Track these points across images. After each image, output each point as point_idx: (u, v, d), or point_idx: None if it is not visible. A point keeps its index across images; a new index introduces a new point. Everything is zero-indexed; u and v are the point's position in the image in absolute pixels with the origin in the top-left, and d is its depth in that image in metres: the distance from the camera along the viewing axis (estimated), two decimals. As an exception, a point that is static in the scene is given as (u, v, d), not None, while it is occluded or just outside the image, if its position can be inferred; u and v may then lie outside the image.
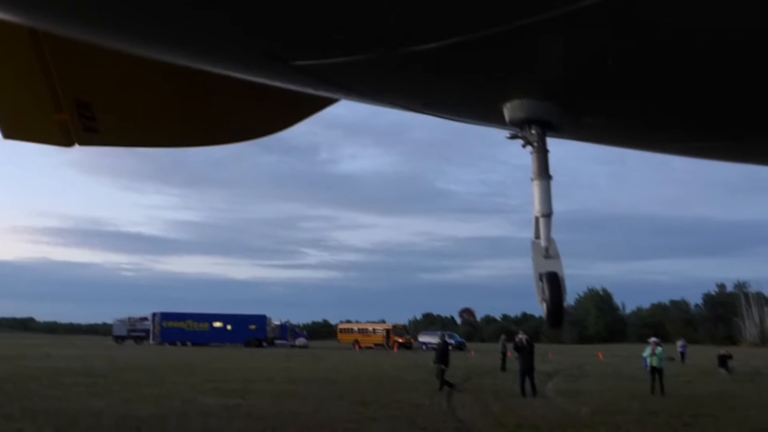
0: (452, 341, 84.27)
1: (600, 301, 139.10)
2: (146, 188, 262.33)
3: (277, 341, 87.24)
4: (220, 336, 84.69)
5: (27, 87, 6.48)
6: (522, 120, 4.30)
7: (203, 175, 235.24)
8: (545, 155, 4.36)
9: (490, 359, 44.98)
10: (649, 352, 25.20)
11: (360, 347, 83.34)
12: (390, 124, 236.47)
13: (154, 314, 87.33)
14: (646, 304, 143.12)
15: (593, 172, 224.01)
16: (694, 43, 3.52)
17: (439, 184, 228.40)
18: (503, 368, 35.73)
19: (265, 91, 6.09)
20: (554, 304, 4.13)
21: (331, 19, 3.46)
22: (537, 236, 4.35)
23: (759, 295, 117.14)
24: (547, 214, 4.31)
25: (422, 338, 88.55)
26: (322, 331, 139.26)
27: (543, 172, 4.33)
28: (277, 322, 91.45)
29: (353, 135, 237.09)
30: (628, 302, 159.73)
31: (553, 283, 4.16)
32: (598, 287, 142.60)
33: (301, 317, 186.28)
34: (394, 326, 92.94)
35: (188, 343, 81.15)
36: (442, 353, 24.80)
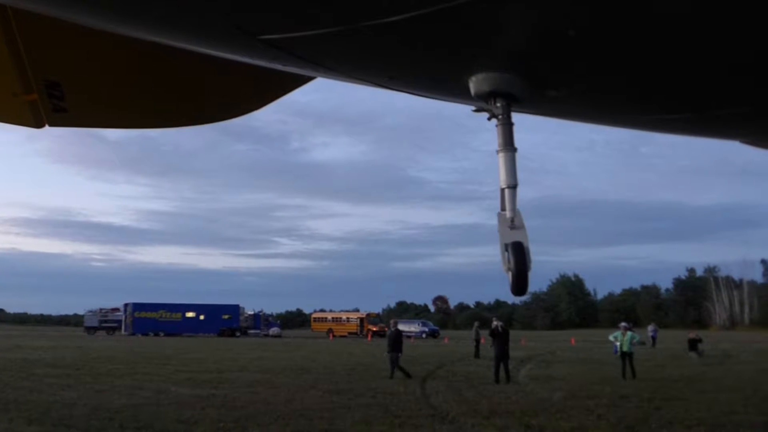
0: (426, 329, 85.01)
1: (572, 286, 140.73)
2: (117, 178, 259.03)
3: (251, 331, 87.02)
4: (193, 326, 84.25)
5: None
6: (487, 93, 4.38)
7: (174, 164, 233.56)
8: (510, 128, 4.44)
9: (464, 346, 45.20)
10: (619, 337, 25.46)
11: (334, 336, 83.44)
12: (361, 113, 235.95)
13: (126, 305, 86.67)
14: (617, 290, 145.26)
15: (563, 158, 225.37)
16: (654, 14, 3.58)
17: (412, 172, 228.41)
18: (477, 355, 35.92)
19: (237, 70, 6.09)
20: (519, 271, 4.22)
21: None
22: (503, 208, 4.43)
23: (728, 279, 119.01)
24: (513, 186, 4.40)
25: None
26: (295, 320, 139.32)
27: (508, 144, 4.42)
28: (250, 312, 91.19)
29: (324, 123, 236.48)
30: (600, 288, 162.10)
31: (518, 251, 4.26)
32: (570, 273, 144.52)
33: (274, 307, 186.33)
34: (368, 315, 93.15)
35: (161, 334, 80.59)
36: (395, 341, 24.80)
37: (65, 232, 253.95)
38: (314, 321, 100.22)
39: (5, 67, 6.31)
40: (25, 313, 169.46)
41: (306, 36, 4.01)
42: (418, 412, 15.65)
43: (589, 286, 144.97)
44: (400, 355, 24.21)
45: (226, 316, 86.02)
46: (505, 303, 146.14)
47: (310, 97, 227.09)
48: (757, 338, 68.97)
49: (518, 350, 39.00)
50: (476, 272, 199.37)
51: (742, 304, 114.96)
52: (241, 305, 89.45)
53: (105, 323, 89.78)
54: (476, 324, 41.32)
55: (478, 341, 37.25)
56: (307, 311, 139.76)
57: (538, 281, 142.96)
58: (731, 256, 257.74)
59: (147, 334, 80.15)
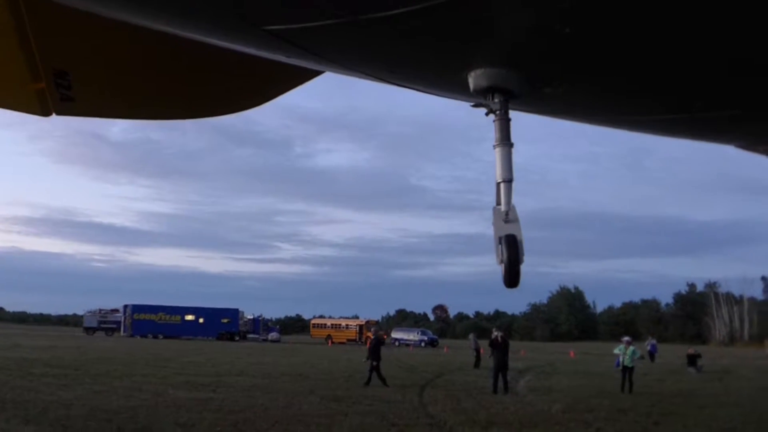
0: (425, 338, 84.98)
1: (572, 299, 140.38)
2: (119, 179, 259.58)
3: (250, 335, 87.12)
4: (192, 329, 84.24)
5: (4, 54, 6.40)
6: (485, 88, 4.47)
7: (177, 167, 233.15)
8: (507, 123, 4.54)
9: (463, 356, 45.14)
10: (623, 350, 25.41)
11: (333, 342, 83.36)
12: (365, 119, 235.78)
13: (125, 306, 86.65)
14: (617, 303, 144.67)
15: (565, 170, 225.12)
16: (650, 12, 3.66)
17: (414, 180, 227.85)
18: (477, 365, 35.82)
19: (244, 64, 6.17)
20: (511, 263, 4.32)
21: None
22: (498, 202, 4.51)
23: (728, 295, 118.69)
24: (508, 180, 4.50)
25: (396, 334, 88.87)
26: (295, 325, 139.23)
27: (505, 139, 4.52)
28: (249, 316, 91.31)
29: (328, 130, 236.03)
30: (600, 300, 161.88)
31: (511, 244, 4.36)
32: (570, 285, 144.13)
33: (274, 311, 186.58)
34: (367, 322, 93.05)
35: (160, 336, 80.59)
36: (374, 348, 24.77)
37: (67, 231, 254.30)
38: (313, 327, 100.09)
39: (15, 56, 6.33)
40: (25, 312, 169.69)
41: (309, 27, 4.08)
42: (416, 420, 15.63)
43: (589, 298, 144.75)
44: (376, 363, 24.11)
45: (225, 320, 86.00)
46: (504, 313, 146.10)
47: (314, 104, 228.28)
48: (756, 354, 68.82)
49: (517, 361, 38.92)
50: (476, 282, 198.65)
51: (741, 320, 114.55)
52: (240, 309, 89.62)
53: (104, 324, 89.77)
54: (472, 335, 41.19)
55: (478, 351, 37.18)
56: (306, 317, 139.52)
57: (538, 292, 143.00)
58: (732, 272, 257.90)
59: (146, 336, 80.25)
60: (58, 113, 6.93)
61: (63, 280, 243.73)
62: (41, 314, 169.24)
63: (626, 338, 26.71)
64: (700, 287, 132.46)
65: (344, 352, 57.53)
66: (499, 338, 24.26)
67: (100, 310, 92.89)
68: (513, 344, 33.47)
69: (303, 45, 4.71)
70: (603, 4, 3.63)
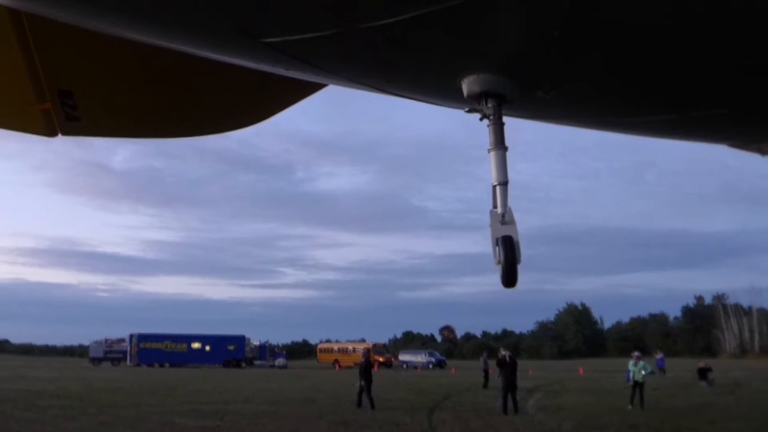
0: (433, 359, 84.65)
1: (579, 315, 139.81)
2: (121, 208, 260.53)
3: (256, 362, 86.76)
4: (198, 357, 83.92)
5: (9, 75, 6.41)
6: (479, 94, 4.59)
7: (179, 194, 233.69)
8: (501, 127, 4.67)
9: (471, 376, 44.86)
10: (633, 365, 25.22)
11: (340, 366, 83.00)
12: (365, 142, 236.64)
13: (131, 335, 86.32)
14: (625, 318, 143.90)
15: (567, 186, 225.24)
16: (638, 16, 3.74)
17: (416, 201, 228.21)
18: (485, 386, 35.58)
19: (248, 77, 6.22)
20: (508, 263, 4.42)
21: None
22: (495, 206, 4.62)
23: (737, 307, 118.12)
24: (504, 182, 4.61)
25: (403, 357, 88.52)
26: (301, 350, 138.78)
27: (499, 142, 4.64)
28: (256, 343, 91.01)
29: (329, 153, 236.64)
30: (607, 316, 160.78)
31: (508, 245, 4.47)
32: (577, 302, 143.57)
33: (280, 337, 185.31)
34: (374, 345, 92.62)
35: (166, 365, 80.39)
36: (365, 369, 24.65)
37: (70, 262, 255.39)
38: (320, 351, 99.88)
39: (20, 76, 6.36)
40: (30, 344, 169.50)
41: (306, 38, 4.16)
42: (424, 443, 15.47)
43: (596, 314, 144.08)
44: (364, 384, 23.98)
45: (231, 347, 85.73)
46: (512, 332, 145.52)
47: (315, 128, 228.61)
48: None
49: (526, 380, 38.64)
50: (483, 301, 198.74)
51: (751, 332, 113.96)
52: (246, 336, 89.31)
53: (110, 354, 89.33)
54: (484, 354, 41.09)
55: (486, 371, 36.94)
56: (313, 341, 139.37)
57: (545, 310, 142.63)
58: (739, 283, 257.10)
59: (152, 365, 79.96)
60: (64, 133, 6.94)
61: (68, 311, 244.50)
62: (47, 345, 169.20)
63: (636, 353, 26.55)
64: (708, 299, 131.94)
65: (352, 375, 57.20)
66: (507, 357, 24.11)
67: (106, 339, 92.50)
68: (521, 363, 33.23)
69: (301, 57, 4.78)
70: (591, 8, 3.70)
